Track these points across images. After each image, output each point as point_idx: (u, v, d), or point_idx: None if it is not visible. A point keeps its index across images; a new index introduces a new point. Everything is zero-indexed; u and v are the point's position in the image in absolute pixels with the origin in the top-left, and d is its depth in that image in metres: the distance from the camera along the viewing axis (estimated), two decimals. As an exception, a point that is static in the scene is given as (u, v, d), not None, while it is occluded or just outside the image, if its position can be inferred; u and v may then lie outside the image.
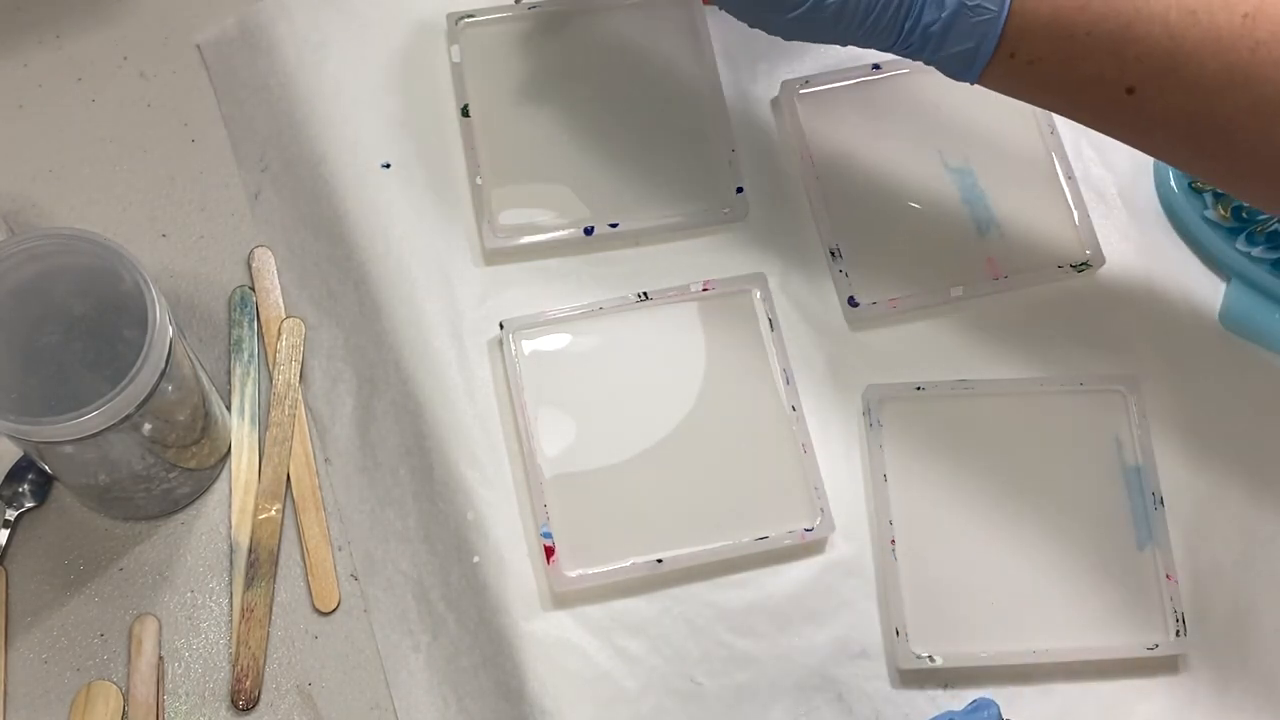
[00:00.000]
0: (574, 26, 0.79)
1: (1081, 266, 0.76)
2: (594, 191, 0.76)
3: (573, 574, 0.67)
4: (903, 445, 0.72)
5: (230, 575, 0.69)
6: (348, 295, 0.74)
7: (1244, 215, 0.78)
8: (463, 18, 0.78)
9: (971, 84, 0.63)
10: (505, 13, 0.79)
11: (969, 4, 0.60)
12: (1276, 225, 0.78)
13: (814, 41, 0.65)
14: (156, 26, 0.81)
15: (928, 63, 0.64)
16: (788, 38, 0.65)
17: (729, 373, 0.72)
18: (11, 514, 0.69)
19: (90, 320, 0.62)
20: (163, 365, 0.58)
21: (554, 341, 0.72)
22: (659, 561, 0.68)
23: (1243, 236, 0.78)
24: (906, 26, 0.62)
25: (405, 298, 0.73)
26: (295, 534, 0.70)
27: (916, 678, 0.68)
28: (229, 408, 0.72)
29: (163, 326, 0.58)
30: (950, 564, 0.69)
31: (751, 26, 0.65)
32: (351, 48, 0.79)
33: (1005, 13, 0.60)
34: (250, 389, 0.73)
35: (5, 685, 0.66)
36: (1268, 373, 0.76)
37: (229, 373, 0.73)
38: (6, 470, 0.70)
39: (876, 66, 0.79)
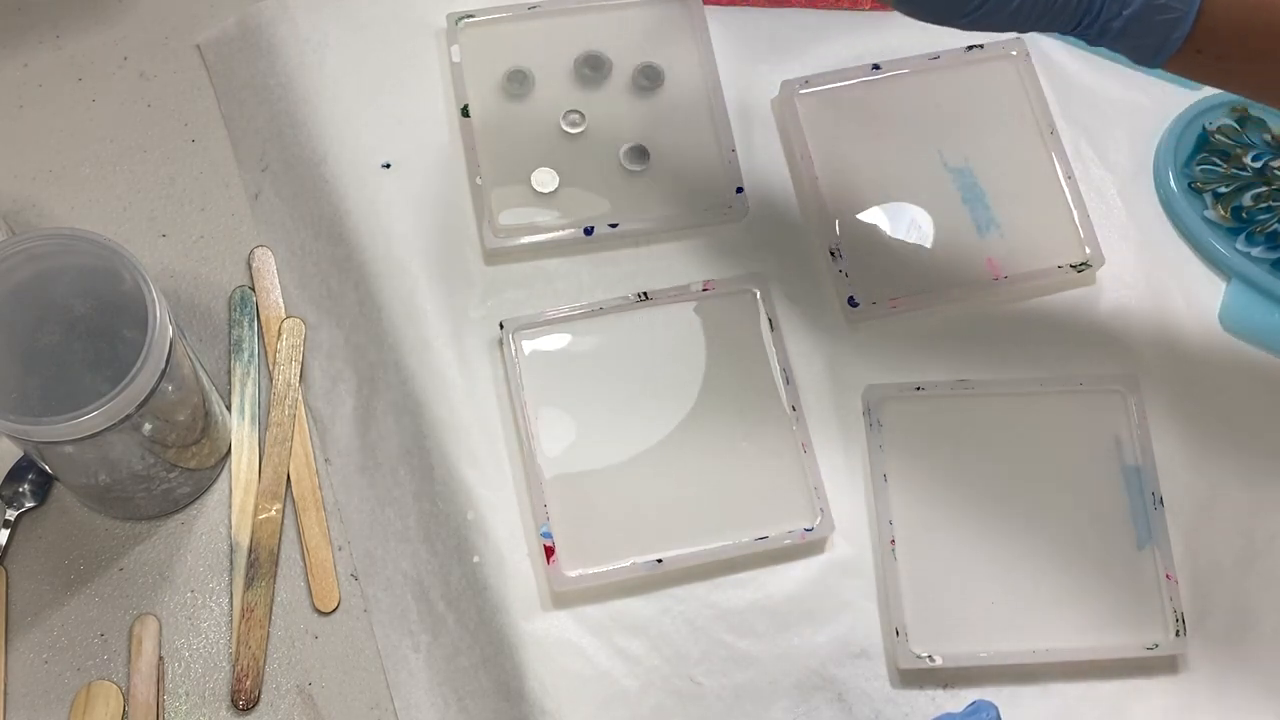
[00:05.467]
0: (573, 26, 0.79)
1: (1081, 266, 0.76)
2: (593, 191, 0.76)
3: (573, 574, 0.67)
4: (903, 445, 0.72)
5: (230, 575, 0.69)
6: (348, 295, 0.74)
7: (1244, 215, 0.78)
8: (463, 18, 0.78)
9: (1152, 68, 0.62)
10: (505, 13, 0.79)
11: (1155, 3, 0.58)
12: (1276, 225, 0.78)
13: (990, 32, 0.63)
14: (156, 26, 0.81)
15: (1109, 49, 0.62)
16: (966, 30, 0.63)
17: (729, 373, 0.72)
18: (11, 514, 0.69)
19: (90, 320, 0.62)
20: (163, 365, 0.58)
21: (554, 341, 0.72)
22: (659, 561, 0.68)
23: (1243, 236, 0.78)
24: (1084, 21, 0.60)
25: (405, 298, 0.73)
26: (295, 534, 0.70)
27: (916, 678, 0.68)
28: (229, 408, 0.72)
29: (163, 326, 0.58)
30: (950, 564, 0.69)
31: (931, 23, 0.63)
32: (351, 48, 0.79)
33: (1194, 13, 0.58)
34: (250, 389, 0.73)
35: (5, 685, 0.66)
36: (1268, 373, 0.76)
37: (229, 373, 0.73)
38: (6, 470, 0.70)
39: (876, 66, 0.79)
